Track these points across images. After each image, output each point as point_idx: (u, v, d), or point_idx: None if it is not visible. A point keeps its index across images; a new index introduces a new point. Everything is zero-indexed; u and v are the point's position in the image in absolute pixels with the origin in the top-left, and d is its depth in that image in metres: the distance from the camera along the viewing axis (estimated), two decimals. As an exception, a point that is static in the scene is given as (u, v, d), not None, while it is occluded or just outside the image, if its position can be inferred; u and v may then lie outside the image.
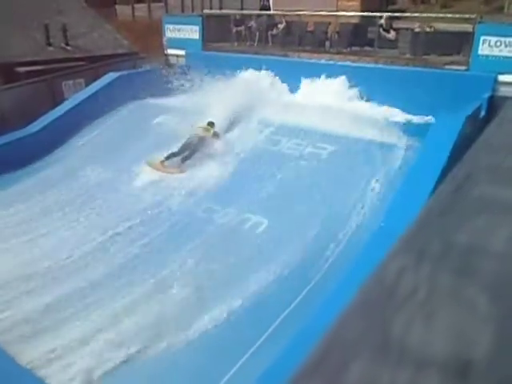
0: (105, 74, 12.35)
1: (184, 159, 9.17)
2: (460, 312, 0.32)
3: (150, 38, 16.47)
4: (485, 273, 0.35)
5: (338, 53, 11.58)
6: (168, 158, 9.15)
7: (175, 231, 7.50)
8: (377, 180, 7.61)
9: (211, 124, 9.58)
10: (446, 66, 10.01)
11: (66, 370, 5.10)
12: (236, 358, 4.99)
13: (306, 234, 6.82)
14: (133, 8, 25.00)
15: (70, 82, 12.92)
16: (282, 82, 11.52)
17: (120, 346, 5.32)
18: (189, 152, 9.19)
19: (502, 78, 8.89)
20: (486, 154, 0.70)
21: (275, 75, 11.59)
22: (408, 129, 8.64)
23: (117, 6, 25.98)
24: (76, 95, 11.94)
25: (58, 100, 11.98)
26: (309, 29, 12.73)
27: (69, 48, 14.83)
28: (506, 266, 0.36)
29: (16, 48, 13.29)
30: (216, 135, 9.53)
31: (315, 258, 6.38)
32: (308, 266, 6.23)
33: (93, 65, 13.48)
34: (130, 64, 13.91)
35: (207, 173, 8.78)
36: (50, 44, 14.45)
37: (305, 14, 12.56)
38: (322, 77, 10.84)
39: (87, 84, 12.53)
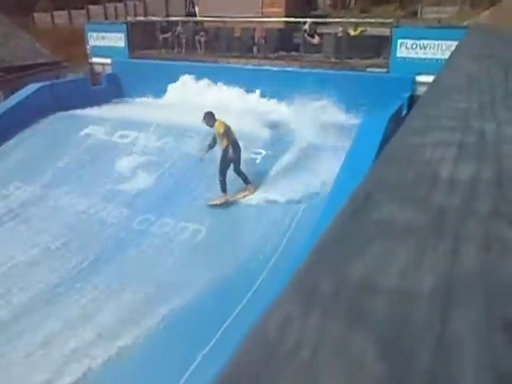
0: (25, 85, 11.73)
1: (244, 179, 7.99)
2: (346, 374, 0.28)
3: (72, 46, 15.87)
4: (374, 317, 0.32)
5: (266, 58, 11.75)
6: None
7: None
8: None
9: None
10: (368, 69, 10.45)
11: None
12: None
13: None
14: (52, 15, 23.98)
15: (-13, 94, 12.18)
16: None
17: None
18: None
19: (419, 78, 9.40)
20: (389, 165, 0.68)
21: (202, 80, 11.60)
22: (335, 130, 8.89)
23: (35, 14, 24.82)
24: (-6, 108, 11.24)
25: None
26: (236, 34, 12.82)
27: (-17, 59, 13.95)
28: (396, 307, 0.33)
29: None
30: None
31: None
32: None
33: (11, 75, 12.77)
34: (53, 74, 13.32)
35: None
36: (-39, 55, 13.54)
37: (231, 21, 12.64)
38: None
39: (6, 96, 11.84)
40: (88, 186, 8.91)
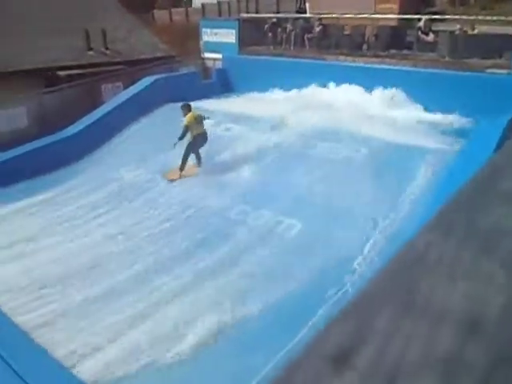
0: (142, 77, 12.60)
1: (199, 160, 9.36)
2: (479, 280, 0.38)
3: (187, 41, 16.70)
4: (504, 251, 0.42)
5: (376, 56, 11.43)
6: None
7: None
8: (416, 185, 7.43)
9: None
10: (487, 70, 9.72)
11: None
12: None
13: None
14: (170, 13, 25.42)
15: (109, 85, 13.26)
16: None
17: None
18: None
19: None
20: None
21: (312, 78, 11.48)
22: (450, 133, 8.43)
23: (155, 11, 26.48)
24: (114, 98, 12.21)
25: (97, 103, 12.29)
26: (346, 32, 12.63)
27: (108, 52, 15.20)
28: None
29: (57, 53, 13.72)
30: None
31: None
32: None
33: (131, 68, 13.77)
34: (167, 67, 14.14)
35: None
36: (90, 49, 14.84)
37: (342, 17, 12.47)
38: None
39: (125, 87, 12.80)
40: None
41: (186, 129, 8.97)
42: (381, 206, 7.12)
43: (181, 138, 8.95)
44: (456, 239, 0.45)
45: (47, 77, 13.19)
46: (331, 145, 8.96)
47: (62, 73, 13.37)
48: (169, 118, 11.22)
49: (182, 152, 9.18)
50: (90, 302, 6.18)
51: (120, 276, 6.64)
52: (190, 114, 9.06)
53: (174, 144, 8.86)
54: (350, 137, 8.87)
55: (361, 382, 0.27)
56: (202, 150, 9.38)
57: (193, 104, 11.69)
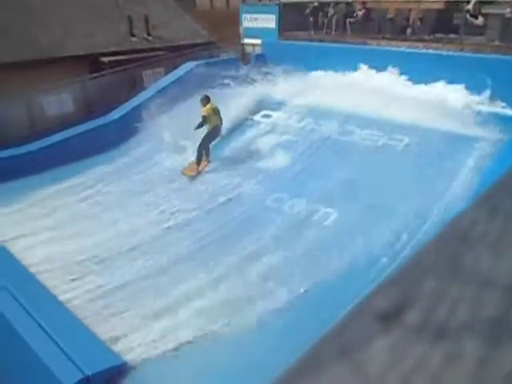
0: (183, 63, 12.72)
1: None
2: None
3: (227, 27, 16.69)
4: None
5: (420, 40, 11.09)
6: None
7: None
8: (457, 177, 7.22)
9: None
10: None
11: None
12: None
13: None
14: (211, -2, 25.39)
15: (150, 71, 13.45)
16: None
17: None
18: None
19: None
20: None
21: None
22: (499, 120, 8.11)
23: (196, -3, 26.53)
24: (156, 83, 12.40)
25: (138, 88, 12.52)
26: (389, 16, 12.29)
27: (150, 38, 15.39)
28: None
29: (101, 39, 14.02)
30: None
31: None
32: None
33: (172, 54, 13.92)
34: (208, 53, 14.21)
35: None
36: (133, 35, 15.08)
37: (385, 0, 12.14)
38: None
39: (166, 73, 12.97)
40: (229, 161, 9.44)
41: (204, 119, 9.04)
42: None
43: (197, 128, 9.03)
44: (502, 218, 0.46)
45: (91, 63, 13.52)
46: (373, 132, 8.82)
47: (105, 59, 13.67)
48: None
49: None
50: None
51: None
52: (208, 106, 9.12)
53: (194, 128, 9.01)
54: (389, 124, 8.68)
55: (408, 338, 0.28)
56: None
57: (229, 90, 11.75)
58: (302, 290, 5.86)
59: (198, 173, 9.20)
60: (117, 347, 5.29)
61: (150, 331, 5.50)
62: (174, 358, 5.18)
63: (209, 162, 9.42)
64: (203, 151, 9.25)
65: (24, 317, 5.56)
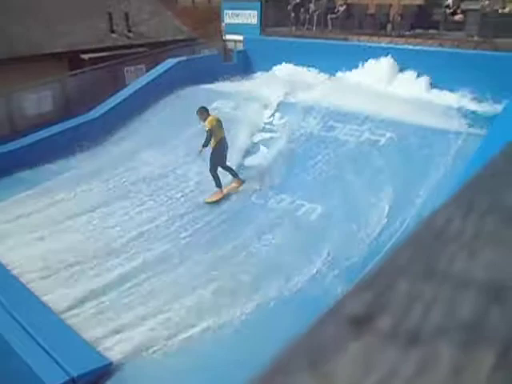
0: (164, 59, 12.61)
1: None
2: (501, 251, 0.38)
3: (209, 24, 16.61)
4: None
5: (400, 36, 11.18)
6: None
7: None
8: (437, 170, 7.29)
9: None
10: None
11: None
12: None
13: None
14: (192, -6, 25.20)
15: (132, 67, 13.31)
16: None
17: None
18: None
19: None
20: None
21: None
22: (476, 116, 8.23)
23: (177, -7, 26.31)
24: (137, 80, 12.27)
25: (119, 85, 12.38)
26: (370, 12, 12.36)
27: (130, 35, 15.24)
28: None
29: (81, 36, 13.82)
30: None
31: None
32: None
33: (153, 51, 13.79)
34: (189, 50, 14.11)
35: None
36: (113, 31, 14.90)
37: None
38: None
39: (147, 70, 12.85)
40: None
41: (210, 133, 7.95)
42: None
43: (205, 145, 7.98)
44: (477, 215, 0.45)
45: (71, 60, 13.33)
46: (353, 127, 8.85)
47: (85, 56, 13.48)
48: (188, 102, 11.22)
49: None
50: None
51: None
52: (211, 118, 8.08)
53: (199, 151, 8.04)
54: (370, 119, 8.73)
55: (380, 343, 0.27)
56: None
57: (212, 86, 11.65)
58: None
59: (224, 196, 8.20)
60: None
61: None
62: (164, 356, 5.14)
63: (242, 182, 8.40)
64: (217, 172, 8.13)
65: (5, 317, 5.47)
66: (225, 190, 8.24)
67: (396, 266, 0.37)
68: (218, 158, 8.10)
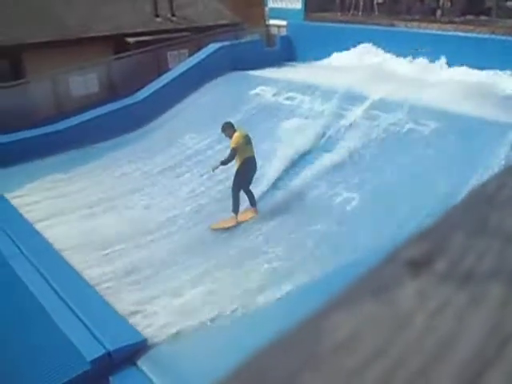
0: (207, 44, 12.69)
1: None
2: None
3: (252, 8, 16.53)
4: None
5: (450, 22, 10.81)
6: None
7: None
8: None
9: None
10: None
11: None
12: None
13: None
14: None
15: (175, 52, 13.47)
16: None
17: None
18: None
19: None
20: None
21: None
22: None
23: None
24: (180, 65, 12.42)
25: (162, 69, 12.56)
26: (419, -3, 12.03)
27: (174, 19, 15.37)
28: None
29: (126, 19, 14.06)
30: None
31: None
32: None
33: (196, 35, 13.89)
34: (232, 35, 14.12)
35: None
36: (157, 15, 15.08)
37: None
38: None
39: (190, 54, 12.97)
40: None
41: (234, 152, 7.01)
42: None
43: (224, 163, 7.13)
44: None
45: (117, 43, 13.60)
46: (398, 117, 8.64)
47: (130, 39, 13.73)
48: (229, 88, 11.28)
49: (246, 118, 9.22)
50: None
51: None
52: (237, 134, 7.09)
53: (213, 168, 7.35)
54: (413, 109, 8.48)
55: (436, 283, 0.31)
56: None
57: (255, 72, 11.62)
58: None
59: (237, 223, 7.21)
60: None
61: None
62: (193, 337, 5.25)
63: (256, 212, 7.35)
64: (239, 194, 7.21)
65: (47, 290, 5.71)
66: (238, 218, 7.25)
67: (450, 221, 0.40)
68: (242, 181, 7.19)
